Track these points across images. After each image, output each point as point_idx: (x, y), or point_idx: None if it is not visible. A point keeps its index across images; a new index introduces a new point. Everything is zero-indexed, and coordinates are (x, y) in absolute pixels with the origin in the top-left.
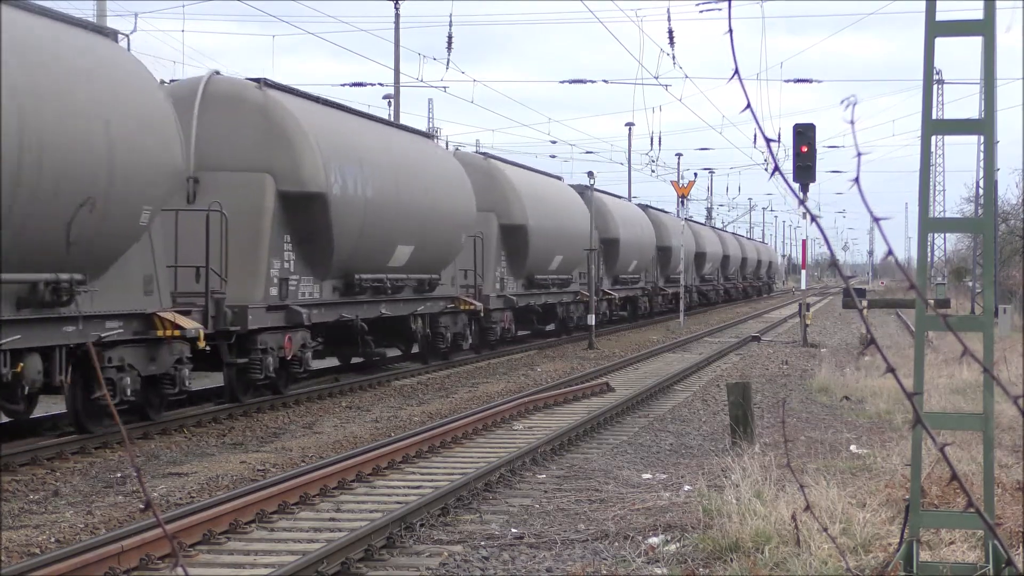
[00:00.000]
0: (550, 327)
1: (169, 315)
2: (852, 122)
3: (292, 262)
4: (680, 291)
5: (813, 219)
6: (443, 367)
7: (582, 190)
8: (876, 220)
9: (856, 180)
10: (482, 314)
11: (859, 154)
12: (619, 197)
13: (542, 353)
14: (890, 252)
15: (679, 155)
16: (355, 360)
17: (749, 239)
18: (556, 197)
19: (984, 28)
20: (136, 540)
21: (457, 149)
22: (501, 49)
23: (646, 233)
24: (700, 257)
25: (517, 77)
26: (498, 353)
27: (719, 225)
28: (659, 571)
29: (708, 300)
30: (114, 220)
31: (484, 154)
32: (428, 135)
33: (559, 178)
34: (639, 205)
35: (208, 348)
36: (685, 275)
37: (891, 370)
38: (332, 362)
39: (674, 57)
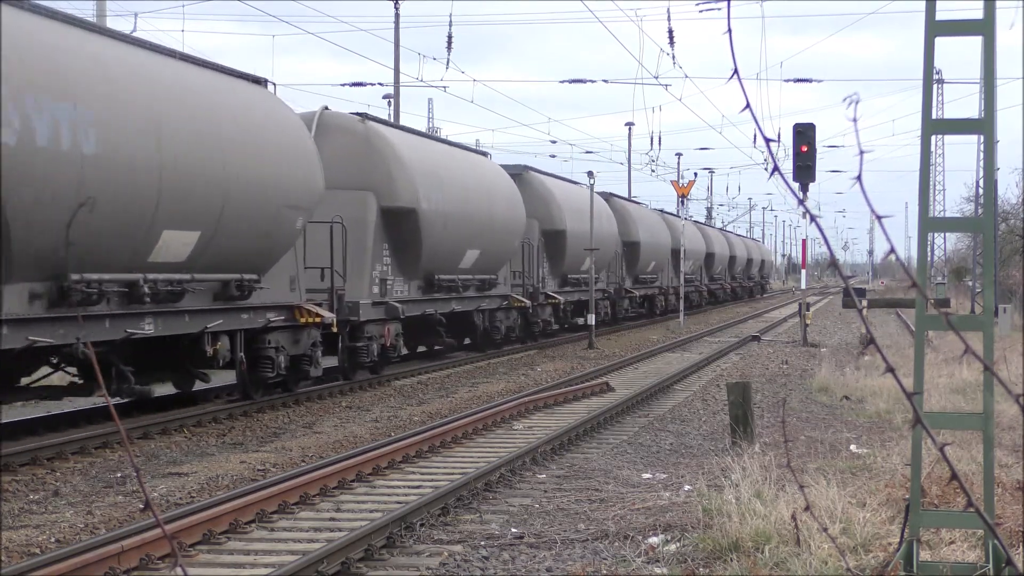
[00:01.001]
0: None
1: None
2: (855, 120)
3: None
4: (681, 291)
5: (813, 219)
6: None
7: (519, 171)
8: (878, 218)
9: (858, 178)
10: (335, 328)
11: (861, 152)
12: (569, 182)
13: (542, 353)
14: (892, 250)
15: (679, 155)
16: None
17: (739, 235)
18: (470, 176)
19: (984, 28)
20: (136, 540)
21: (325, 108)
22: (501, 49)
23: (606, 225)
24: (678, 254)
25: (517, 77)
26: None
27: (719, 224)
28: (659, 571)
29: (689, 302)
30: None
31: (362, 115)
32: (256, 80)
33: (484, 154)
34: (601, 193)
35: None
36: (662, 275)
37: (890, 370)
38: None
39: (674, 57)
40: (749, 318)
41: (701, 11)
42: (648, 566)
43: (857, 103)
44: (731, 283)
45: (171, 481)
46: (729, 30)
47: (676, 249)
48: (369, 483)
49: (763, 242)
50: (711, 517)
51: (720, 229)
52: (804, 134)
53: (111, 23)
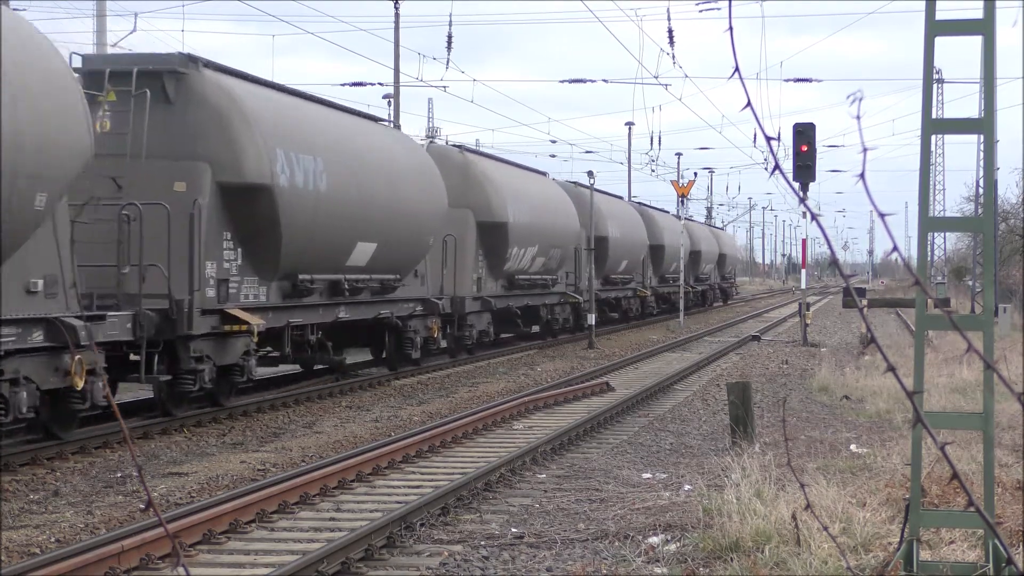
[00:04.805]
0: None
1: None
2: (858, 117)
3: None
4: (682, 290)
5: (814, 217)
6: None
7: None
8: (882, 216)
9: (861, 175)
10: (456, 317)
11: (865, 149)
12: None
13: (542, 353)
14: (895, 248)
15: (679, 154)
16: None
17: (689, 219)
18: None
19: (984, 27)
20: (136, 540)
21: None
22: (501, 49)
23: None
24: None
25: (517, 77)
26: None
27: (719, 225)
28: (659, 571)
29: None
30: None
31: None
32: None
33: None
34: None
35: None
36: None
37: (891, 369)
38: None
39: (674, 56)
40: (749, 318)
41: (701, 11)
42: (648, 566)
43: (861, 100)
44: (663, 289)
45: (171, 481)
46: (730, 28)
47: (511, 223)
48: (369, 483)
49: (717, 228)
50: (711, 517)
51: (649, 206)
52: (804, 134)
53: (111, 23)
